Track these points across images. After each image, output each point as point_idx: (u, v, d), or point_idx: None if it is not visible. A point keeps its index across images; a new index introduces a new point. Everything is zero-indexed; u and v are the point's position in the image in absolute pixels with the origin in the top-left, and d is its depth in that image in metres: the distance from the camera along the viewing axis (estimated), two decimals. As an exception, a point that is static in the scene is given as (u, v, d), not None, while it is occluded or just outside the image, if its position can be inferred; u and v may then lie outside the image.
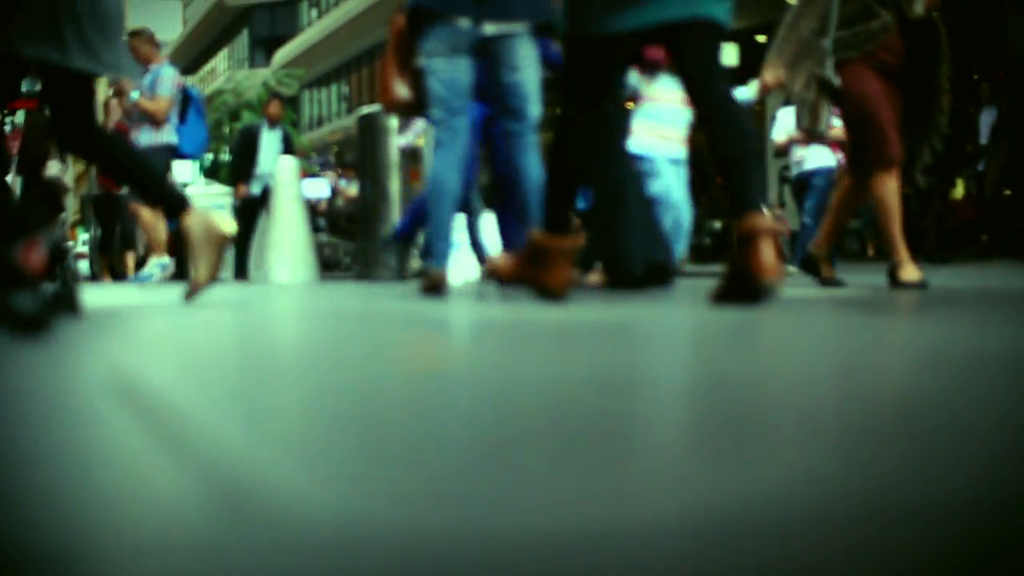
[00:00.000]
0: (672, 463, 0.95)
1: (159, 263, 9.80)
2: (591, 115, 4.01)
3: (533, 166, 5.17)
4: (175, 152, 9.95)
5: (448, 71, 5.09)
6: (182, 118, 9.95)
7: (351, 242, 15.44)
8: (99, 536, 0.70)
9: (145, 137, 9.80)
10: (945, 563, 0.64)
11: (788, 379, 1.62)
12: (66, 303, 2.88)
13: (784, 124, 10.99)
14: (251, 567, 0.63)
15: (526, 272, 4.14)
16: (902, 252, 5.27)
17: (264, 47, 46.79)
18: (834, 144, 10.73)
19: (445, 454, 1.00)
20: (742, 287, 3.54)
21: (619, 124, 5.48)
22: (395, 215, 10.25)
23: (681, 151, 6.40)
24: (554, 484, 0.84)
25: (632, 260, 5.45)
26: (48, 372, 1.87)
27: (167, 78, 9.83)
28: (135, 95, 9.89)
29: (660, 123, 6.35)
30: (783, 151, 11.25)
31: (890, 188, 5.25)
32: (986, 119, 13.86)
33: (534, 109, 5.18)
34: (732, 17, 3.95)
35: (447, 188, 5.10)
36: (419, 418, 1.24)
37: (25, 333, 2.45)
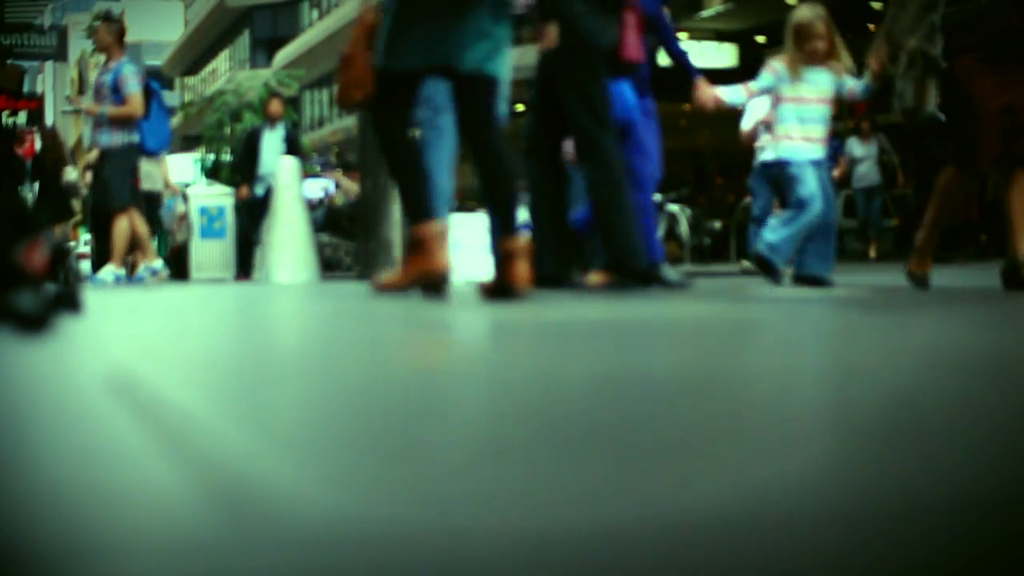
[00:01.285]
0: (672, 462, 0.94)
1: (149, 267, 9.74)
2: (406, 130, 4.65)
3: (445, 164, 5.20)
4: (140, 150, 9.62)
5: None
6: (145, 114, 9.55)
7: (352, 242, 15.43)
8: (99, 536, 0.70)
9: (105, 138, 9.46)
10: (945, 563, 0.64)
11: (788, 378, 1.62)
12: (67, 303, 2.88)
13: (752, 113, 10.83)
14: (250, 565, 0.63)
15: (409, 272, 4.47)
16: (925, 245, 5.31)
17: (265, 48, 46.74)
18: None
19: (444, 453, 1.00)
20: (502, 291, 4.35)
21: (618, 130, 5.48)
22: (396, 215, 10.24)
23: (822, 151, 6.16)
24: (553, 483, 0.84)
25: (636, 256, 5.46)
26: (49, 371, 1.87)
27: (131, 76, 9.45)
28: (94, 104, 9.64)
29: (805, 124, 6.12)
30: (751, 139, 11.09)
31: (953, 185, 5.25)
32: (986, 119, 13.88)
33: (504, 105, 5.19)
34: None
35: (439, 188, 5.09)
36: (418, 417, 1.24)
37: (27, 332, 2.45)
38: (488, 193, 4.56)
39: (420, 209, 4.46)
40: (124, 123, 9.43)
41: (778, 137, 6.17)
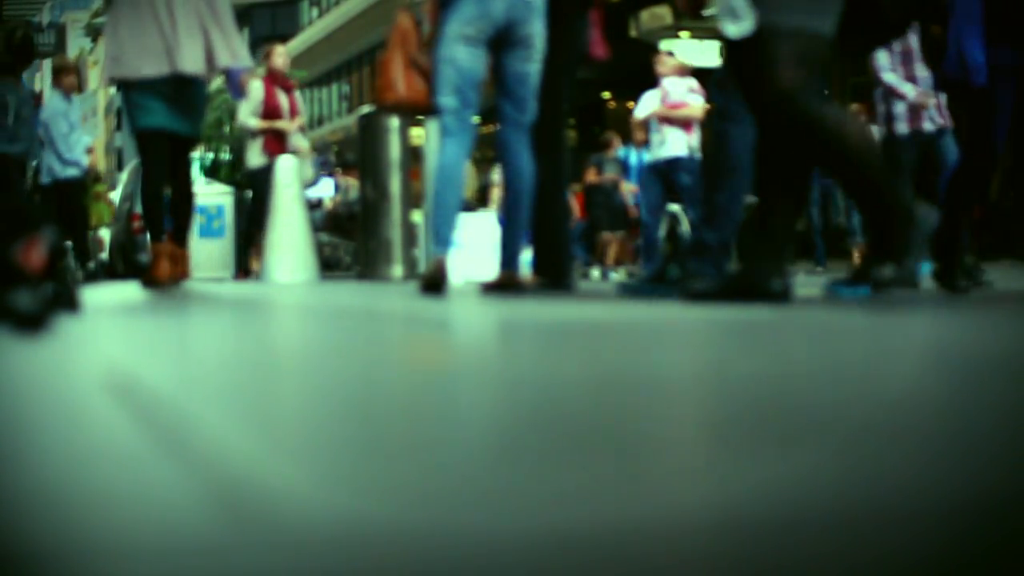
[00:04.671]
0: (673, 463, 0.94)
1: None
2: (162, 166, 6.73)
3: (526, 160, 5.19)
4: None
5: (467, 60, 5.05)
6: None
7: (352, 242, 15.45)
8: (98, 536, 0.70)
9: None
10: (944, 564, 0.63)
11: (788, 379, 1.62)
12: (66, 302, 2.88)
13: (646, 104, 10.59)
14: (250, 567, 0.63)
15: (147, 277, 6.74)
16: None
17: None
18: (688, 125, 10.23)
19: (445, 453, 0.99)
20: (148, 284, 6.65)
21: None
22: (396, 214, 10.24)
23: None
24: (555, 483, 0.84)
25: (567, 260, 5.54)
26: (47, 371, 1.87)
27: None
28: None
29: None
30: (643, 129, 10.79)
31: None
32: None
33: (534, 103, 5.19)
34: None
35: (455, 176, 5.10)
36: (419, 417, 1.24)
37: (25, 331, 2.45)
38: (172, 206, 6.80)
39: (156, 233, 6.75)
40: None
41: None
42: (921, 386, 1.54)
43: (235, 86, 6.76)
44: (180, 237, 6.78)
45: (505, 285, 5.10)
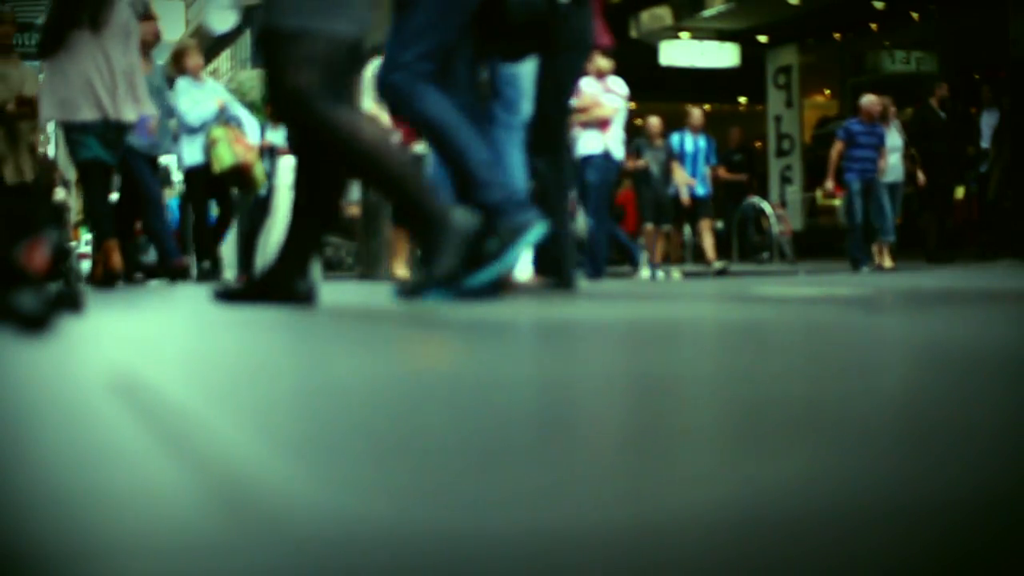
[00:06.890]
0: (672, 463, 0.95)
1: None
2: (103, 177, 7.75)
3: (518, 160, 5.17)
4: None
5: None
6: None
7: (352, 242, 15.44)
8: (99, 536, 0.70)
9: None
10: (943, 561, 0.64)
11: (788, 378, 1.62)
12: (68, 303, 2.88)
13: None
14: (251, 567, 0.63)
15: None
16: None
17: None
18: (604, 123, 10.26)
19: (445, 453, 1.00)
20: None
21: (561, 130, 5.46)
22: (397, 215, 10.24)
23: None
24: (553, 484, 0.84)
25: (569, 260, 5.53)
26: (50, 371, 1.87)
27: None
28: None
29: None
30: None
31: None
32: (988, 120, 13.80)
33: (527, 105, 5.18)
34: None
35: (511, 184, 5.11)
36: (419, 417, 1.25)
37: (27, 332, 2.45)
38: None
39: (103, 236, 7.63)
40: None
41: None
42: (920, 385, 1.54)
43: (143, 128, 7.93)
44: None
45: (503, 286, 5.09)
